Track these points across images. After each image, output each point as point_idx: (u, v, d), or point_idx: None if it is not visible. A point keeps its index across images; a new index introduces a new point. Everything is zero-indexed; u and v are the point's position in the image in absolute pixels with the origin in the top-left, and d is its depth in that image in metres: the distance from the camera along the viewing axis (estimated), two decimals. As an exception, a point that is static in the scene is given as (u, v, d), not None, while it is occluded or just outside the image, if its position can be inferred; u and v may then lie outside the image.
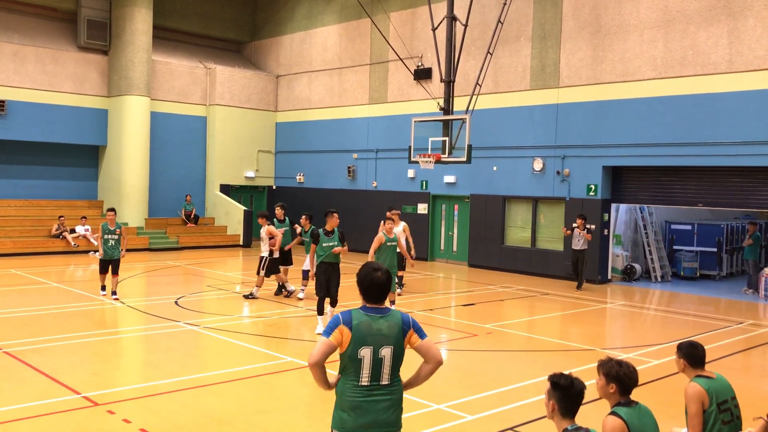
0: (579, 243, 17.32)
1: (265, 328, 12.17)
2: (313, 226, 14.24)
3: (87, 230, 22.84)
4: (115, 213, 14.55)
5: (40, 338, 10.48)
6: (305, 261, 14.65)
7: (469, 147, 17.77)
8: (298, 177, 27.38)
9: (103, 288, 14.29)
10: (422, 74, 22.36)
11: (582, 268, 17.44)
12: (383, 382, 4.14)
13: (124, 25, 24.30)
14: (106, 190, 25.24)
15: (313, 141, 26.82)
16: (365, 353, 4.07)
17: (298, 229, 15.26)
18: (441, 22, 19.08)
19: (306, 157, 27.19)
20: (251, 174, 27.89)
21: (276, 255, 14.56)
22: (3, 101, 22.62)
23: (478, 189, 21.39)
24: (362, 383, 4.11)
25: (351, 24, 25.39)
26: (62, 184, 25.03)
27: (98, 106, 24.88)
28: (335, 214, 11.98)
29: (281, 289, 15.00)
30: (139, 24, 24.32)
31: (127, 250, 15.67)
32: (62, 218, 22.69)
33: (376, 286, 4.15)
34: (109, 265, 14.04)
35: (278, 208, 15.38)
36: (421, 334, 4.23)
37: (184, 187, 26.63)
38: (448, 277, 19.64)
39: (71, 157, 25.10)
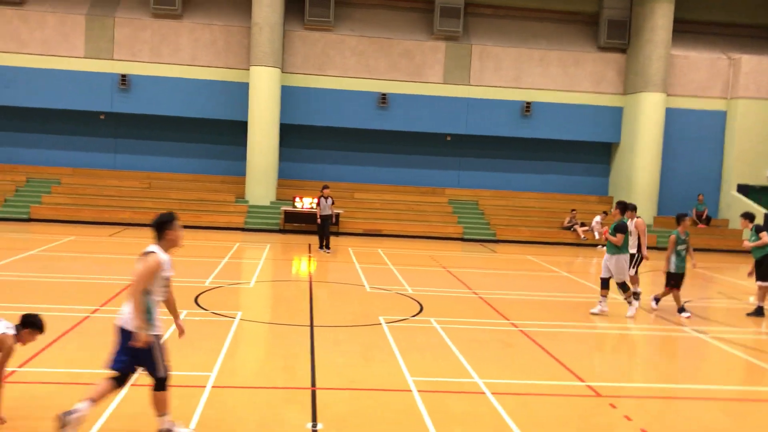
0: None
1: (784, 348, 10.79)
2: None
3: (598, 224, 23.41)
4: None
5: (550, 322, 11.27)
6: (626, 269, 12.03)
7: None
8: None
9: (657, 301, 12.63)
10: None
11: None
12: None
13: (644, 22, 24.27)
14: (616, 186, 25.73)
15: None
16: None
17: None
18: None
19: None
20: (776, 174, 25.04)
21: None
22: (529, 102, 24.94)
23: None
24: None
25: None
26: (575, 179, 26.44)
27: (613, 104, 25.46)
28: None
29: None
30: (660, 19, 23.98)
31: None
32: (574, 212, 23.97)
33: None
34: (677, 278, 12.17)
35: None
36: None
37: (695, 185, 25.43)
38: None
39: (585, 153, 26.29)
